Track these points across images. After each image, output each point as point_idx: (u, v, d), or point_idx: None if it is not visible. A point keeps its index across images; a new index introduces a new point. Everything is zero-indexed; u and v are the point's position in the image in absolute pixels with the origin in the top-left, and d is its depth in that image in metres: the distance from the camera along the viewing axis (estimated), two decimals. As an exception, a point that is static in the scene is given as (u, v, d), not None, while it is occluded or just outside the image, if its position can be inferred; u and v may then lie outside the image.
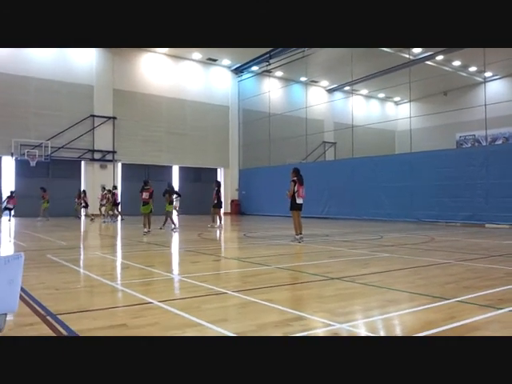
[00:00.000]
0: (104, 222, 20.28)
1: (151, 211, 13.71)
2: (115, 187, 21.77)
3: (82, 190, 23.89)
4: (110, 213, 20.97)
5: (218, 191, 17.14)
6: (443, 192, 18.97)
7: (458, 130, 31.92)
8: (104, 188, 22.20)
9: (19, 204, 22.78)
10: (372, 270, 6.64)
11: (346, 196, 23.22)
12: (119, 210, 22.03)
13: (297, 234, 10.90)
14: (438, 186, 19.15)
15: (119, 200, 21.83)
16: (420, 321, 3.88)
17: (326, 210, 24.33)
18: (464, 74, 33.17)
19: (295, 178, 10.84)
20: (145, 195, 13.53)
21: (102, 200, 22.09)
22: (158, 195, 15.25)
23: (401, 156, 23.48)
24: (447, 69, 31.59)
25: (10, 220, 20.77)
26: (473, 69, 32.30)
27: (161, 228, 15.04)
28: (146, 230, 13.35)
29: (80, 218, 22.72)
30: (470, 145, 30.21)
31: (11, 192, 21.70)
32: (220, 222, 16.80)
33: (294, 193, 10.80)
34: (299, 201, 10.84)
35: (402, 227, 17.07)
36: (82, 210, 23.13)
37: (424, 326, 3.67)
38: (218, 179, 32.05)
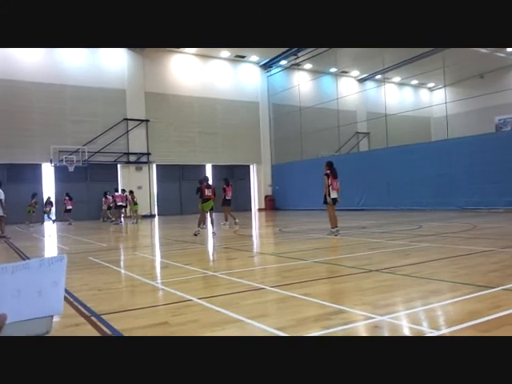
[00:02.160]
0: (133, 222, 20.73)
1: (212, 208, 13.10)
2: (116, 190, 22.07)
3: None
4: (130, 214, 21.57)
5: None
6: (484, 178, 18.37)
7: (496, 113, 30.73)
8: (124, 190, 22.58)
9: (58, 208, 23.67)
10: (412, 260, 6.50)
11: (381, 187, 22.83)
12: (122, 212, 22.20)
13: (333, 228, 10.80)
14: (478, 172, 18.56)
15: (120, 203, 21.78)
16: (464, 311, 3.77)
17: (361, 202, 24.00)
18: (501, 55, 31.95)
19: (328, 172, 10.72)
20: (207, 192, 12.88)
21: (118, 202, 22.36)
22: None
23: (437, 143, 22.88)
24: (483, 50, 30.50)
25: (67, 224, 21.14)
26: (510, 49, 31.05)
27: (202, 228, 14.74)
28: (199, 228, 12.76)
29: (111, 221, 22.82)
30: (510, 128, 29.08)
31: (66, 194, 22.42)
32: (226, 221, 15.99)
33: (328, 186, 10.69)
34: (333, 194, 10.71)
35: (442, 216, 16.64)
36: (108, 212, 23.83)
37: (468, 316, 3.56)
38: (251, 175, 32.14)
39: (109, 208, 23.36)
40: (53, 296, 1.09)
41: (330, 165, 10.82)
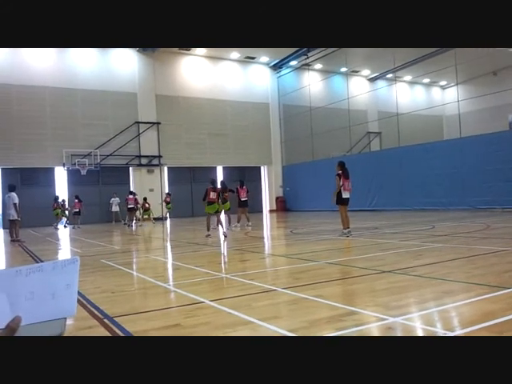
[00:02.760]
0: (140, 225, 20.89)
1: (217, 211, 13.17)
2: (130, 192, 22.22)
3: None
4: (140, 217, 21.94)
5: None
6: (497, 176, 18.15)
7: (510, 111, 30.37)
8: (132, 193, 22.77)
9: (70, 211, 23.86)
10: (425, 261, 6.44)
11: (394, 186, 22.67)
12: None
13: (344, 228, 10.74)
14: (492, 171, 18.34)
15: (130, 206, 21.84)
16: (478, 312, 3.73)
17: (374, 202, 23.86)
18: (514, 51, 31.58)
19: (340, 172, 10.67)
20: (212, 195, 12.89)
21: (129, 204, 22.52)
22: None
23: (450, 141, 22.65)
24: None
25: (76, 227, 21.22)
26: (523, 45, 30.68)
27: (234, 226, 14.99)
28: (209, 232, 12.80)
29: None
30: (524, 125, 28.68)
31: (76, 196, 22.36)
32: (237, 222, 15.80)
33: (340, 187, 10.63)
34: (345, 195, 10.65)
35: (455, 216, 16.47)
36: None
37: (482, 317, 3.52)
38: (262, 177, 32.13)
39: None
40: (66, 298, 1.10)
41: (341, 165, 10.76)
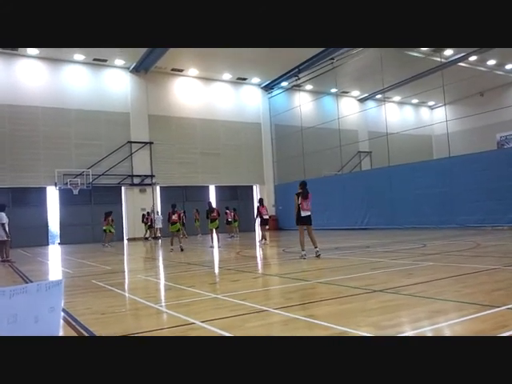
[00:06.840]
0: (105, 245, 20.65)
1: (178, 230, 16.05)
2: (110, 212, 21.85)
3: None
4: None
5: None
6: (487, 195, 18.34)
7: (498, 131, 30.86)
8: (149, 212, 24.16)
9: (66, 231, 23.71)
10: (416, 280, 6.46)
11: (385, 205, 22.79)
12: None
13: (303, 250, 10.56)
14: (481, 189, 18.54)
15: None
16: (469, 331, 3.74)
17: (365, 221, 23.94)
18: (500, 73, 32.25)
19: (299, 191, 10.59)
20: (174, 217, 15.68)
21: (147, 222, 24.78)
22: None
23: (439, 161, 22.92)
24: (482, 69, 30.80)
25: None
26: (509, 66, 31.35)
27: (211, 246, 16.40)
28: (172, 247, 15.72)
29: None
30: (511, 145, 29.12)
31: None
32: (265, 240, 17.04)
33: (297, 205, 10.51)
34: (304, 213, 10.48)
35: (446, 234, 16.56)
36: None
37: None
38: (254, 196, 32.19)
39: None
40: (50, 322, 1.10)
41: (302, 185, 10.66)
